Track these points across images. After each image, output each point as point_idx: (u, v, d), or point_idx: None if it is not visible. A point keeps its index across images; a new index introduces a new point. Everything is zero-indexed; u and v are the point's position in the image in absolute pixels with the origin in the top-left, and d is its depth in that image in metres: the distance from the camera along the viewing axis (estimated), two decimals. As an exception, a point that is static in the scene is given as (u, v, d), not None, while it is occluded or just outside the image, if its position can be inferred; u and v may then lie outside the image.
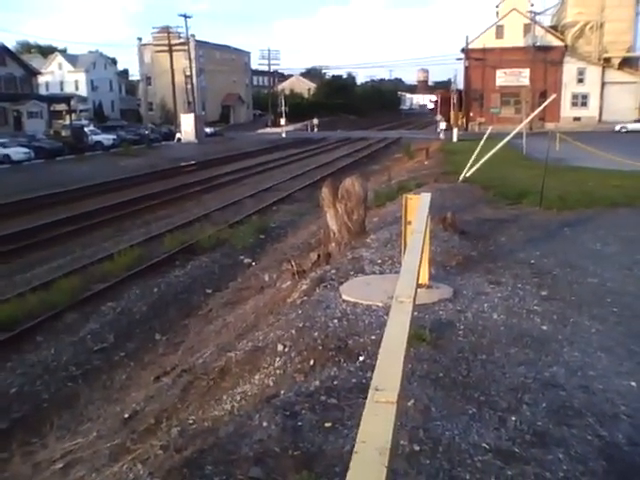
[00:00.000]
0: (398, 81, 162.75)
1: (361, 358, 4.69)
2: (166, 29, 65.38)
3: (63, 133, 48.26)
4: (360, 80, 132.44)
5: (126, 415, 6.10)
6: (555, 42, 57.41)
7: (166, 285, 12.28)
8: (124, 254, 13.54)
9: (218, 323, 9.31)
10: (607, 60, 56.89)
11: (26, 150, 37.82)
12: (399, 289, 2.78)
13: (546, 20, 61.63)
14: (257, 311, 8.07)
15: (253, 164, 35.71)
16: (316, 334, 5.25)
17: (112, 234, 17.18)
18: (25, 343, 9.32)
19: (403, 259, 3.60)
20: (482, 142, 18.01)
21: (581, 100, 58.04)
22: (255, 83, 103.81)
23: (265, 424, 3.72)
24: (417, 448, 3.34)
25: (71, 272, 12.44)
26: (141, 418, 5.93)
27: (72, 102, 63.62)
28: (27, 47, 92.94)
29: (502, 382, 4.28)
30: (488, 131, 19.74)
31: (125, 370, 8.54)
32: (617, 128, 48.43)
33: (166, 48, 61.72)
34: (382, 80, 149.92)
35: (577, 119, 55.12)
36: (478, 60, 57.94)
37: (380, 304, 5.81)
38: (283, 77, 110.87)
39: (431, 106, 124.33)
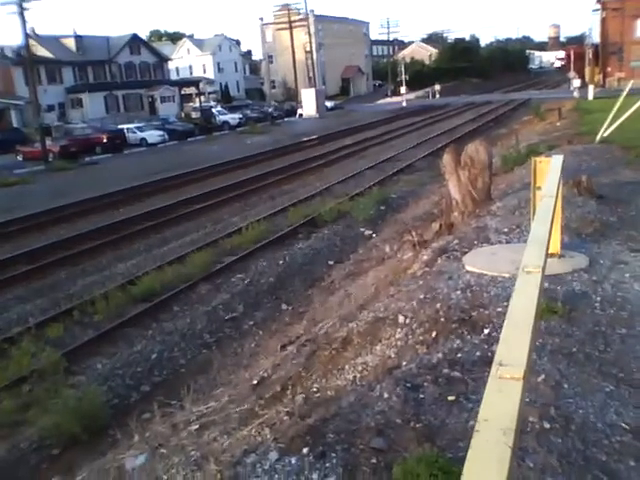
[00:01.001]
0: (526, 39, 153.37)
1: (486, 331, 4.49)
2: (286, 7, 66.30)
3: (193, 115, 51.01)
4: (485, 41, 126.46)
5: (255, 381, 6.36)
6: None
7: (290, 257, 12.61)
8: (251, 228, 14.09)
9: (340, 294, 9.41)
10: None
11: (160, 133, 40.45)
12: (526, 258, 2.59)
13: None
14: (378, 282, 8.04)
15: (373, 135, 35.46)
16: (438, 305, 5.11)
17: (240, 209, 17.90)
18: (163, 313, 10.01)
19: (532, 227, 3.36)
20: (621, 99, 16.46)
21: None
22: (375, 53, 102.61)
23: (386, 395, 3.69)
24: (547, 426, 3.14)
25: (203, 246, 13.14)
26: (268, 385, 6.16)
27: (200, 85, 66.88)
28: (158, 35, 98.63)
29: (645, 358, 3.91)
30: (628, 86, 17.95)
31: (254, 338, 8.92)
32: None
33: (286, 26, 62.68)
34: (509, 39, 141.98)
35: None
36: (616, 10, 52.85)
37: (507, 275, 5.53)
38: (403, 45, 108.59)
39: (558, 64, 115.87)
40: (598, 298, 5.04)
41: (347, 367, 4.74)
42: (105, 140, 36.80)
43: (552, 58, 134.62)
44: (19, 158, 34.96)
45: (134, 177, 24.80)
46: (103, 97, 59.21)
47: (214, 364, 8.11)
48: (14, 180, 26.79)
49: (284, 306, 10.25)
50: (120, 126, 41.18)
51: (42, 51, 56.84)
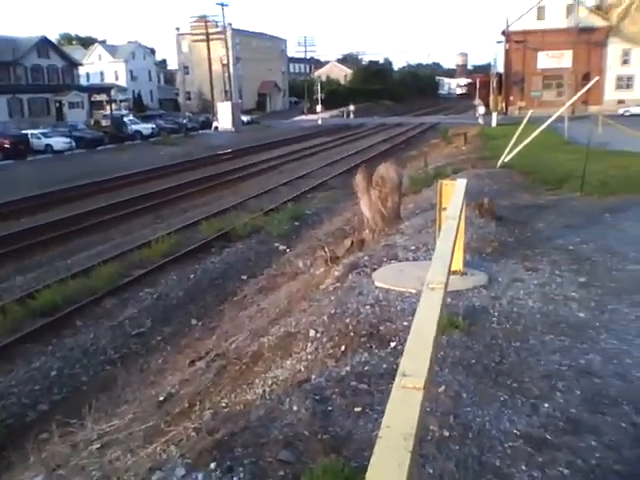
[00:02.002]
0: (436, 65, 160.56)
1: (392, 344, 4.66)
2: (203, 18, 65.79)
3: (103, 123, 49.26)
4: (397, 65, 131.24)
5: (161, 398, 6.22)
6: (599, 23, 55.52)
7: (202, 271, 12.44)
8: (162, 241, 13.78)
9: (252, 309, 9.39)
10: (654, 40, 54.76)
11: (67, 140, 38.72)
12: (430, 275, 2.75)
13: (589, 0, 59.62)
14: (290, 297, 8.11)
15: (289, 152, 35.76)
16: (348, 320, 5.23)
17: (151, 221, 17.47)
18: (65, 328, 9.57)
19: (436, 246, 3.55)
20: (522, 126, 17.60)
21: (626, 82, 56.13)
22: (292, 70, 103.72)
23: (295, 408, 3.73)
24: (447, 434, 3.30)
25: (110, 258, 12.70)
26: (176, 401, 6.05)
27: (112, 92, 64.78)
28: (68, 39, 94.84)
29: (536, 369, 4.19)
30: (528, 115, 19.25)
31: (161, 354, 8.71)
32: (620, 111, 46.74)
33: (203, 37, 62.15)
34: (420, 65, 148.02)
35: (621, 102, 53.26)
36: (519, 42, 56.54)
37: (413, 291, 5.76)
38: (319, 64, 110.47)
39: (460, 91, 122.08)
40: (496, 313, 5.35)
41: (257, 381, 4.75)
42: (7, 145, 34.78)
43: (460, 84, 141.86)
44: None
45: (38, 185, 23.58)
46: (6, 100, 55.93)
47: (118, 381, 7.84)
48: None
49: (194, 321, 10.08)
50: (24, 131, 39.06)
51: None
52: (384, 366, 4.26)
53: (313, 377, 4.30)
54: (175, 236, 14.46)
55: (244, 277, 12.18)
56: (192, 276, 12.13)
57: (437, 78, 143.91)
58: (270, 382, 4.60)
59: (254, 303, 9.86)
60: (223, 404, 4.62)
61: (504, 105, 57.12)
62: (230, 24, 72.07)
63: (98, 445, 5.56)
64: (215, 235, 14.79)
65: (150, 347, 9.01)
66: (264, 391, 4.44)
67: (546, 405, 3.66)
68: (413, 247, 7.83)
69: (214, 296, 11.23)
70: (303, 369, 4.59)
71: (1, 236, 15.11)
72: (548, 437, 3.30)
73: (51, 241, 14.88)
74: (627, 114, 45.82)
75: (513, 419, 3.50)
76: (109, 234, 15.81)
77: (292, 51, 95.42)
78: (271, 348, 5.44)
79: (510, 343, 4.68)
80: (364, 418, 3.50)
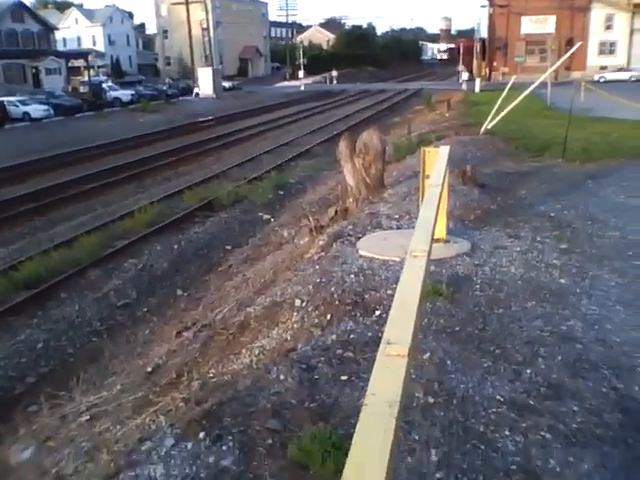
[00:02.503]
0: (420, 30, 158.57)
1: (377, 312, 4.71)
2: (182, -20, 64.01)
3: (81, 89, 48.26)
4: (380, 30, 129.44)
5: (149, 369, 6.26)
6: (583, -14, 55.08)
7: (186, 241, 12.40)
8: (144, 211, 13.66)
9: (238, 279, 9.41)
10: (637, 6, 54.46)
11: (45, 107, 37.87)
12: (413, 243, 2.76)
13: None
14: (275, 267, 8.13)
15: (271, 118, 35.38)
16: (333, 289, 5.28)
17: (133, 191, 17.29)
18: (49, 300, 9.53)
19: (419, 214, 3.56)
20: (504, 93, 17.57)
21: (609, 48, 56.01)
22: (273, 35, 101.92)
23: (282, 377, 3.79)
24: (431, 400, 3.38)
25: (93, 229, 12.59)
26: (163, 372, 6.09)
27: (90, 58, 63.17)
28: (43, 3, 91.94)
29: (518, 336, 4.28)
30: (511, 81, 19.18)
31: (148, 325, 8.72)
32: (596, 78, 46.63)
33: (182, 0, 60.59)
34: (403, 30, 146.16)
35: (604, 68, 53.21)
36: (503, 7, 55.97)
37: (397, 259, 5.80)
38: (302, 28, 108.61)
39: (440, 57, 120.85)
40: (479, 280, 5.43)
41: (244, 351, 4.80)
42: (-20, 113, 33.97)
43: (444, 49, 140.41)
44: None
45: (16, 154, 23.16)
46: (-21, 66, 54.44)
47: (105, 353, 7.85)
48: None
49: (179, 292, 10.08)
50: (0, 99, 38.12)
51: None
52: (369, 334, 4.32)
53: (299, 346, 4.35)
54: (158, 206, 14.34)
55: (228, 247, 12.17)
56: (176, 246, 12.08)
57: (420, 43, 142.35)
58: (257, 352, 4.65)
59: (239, 273, 9.88)
60: (211, 374, 4.66)
61: (488, 71, 56.80)
62: (209, -13, 70.30)
63: (87, 417, 5.60)
64: (198, 205, 14.69)
65: (136, 318, 9.02)
66: (251, 361, 4.49)
67: (528, 371, 3.75)
68: (397, 215, 7.86)
69: (199, 266, 11.21)
70: (289, 338, 4.64)
71: (-20, 208, 14.88)
72: (530, 403, 3.40)
73: (32, 211, 14.69)
74: (602, 80, 45.78)
75: (496, 385, 3.58)
76: (91, 204, 15.63)
77: (273, 15, 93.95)
78: (257, 318, 5.48)
79: (493, 310, 4.76)
80: (350, 386, 3.57)
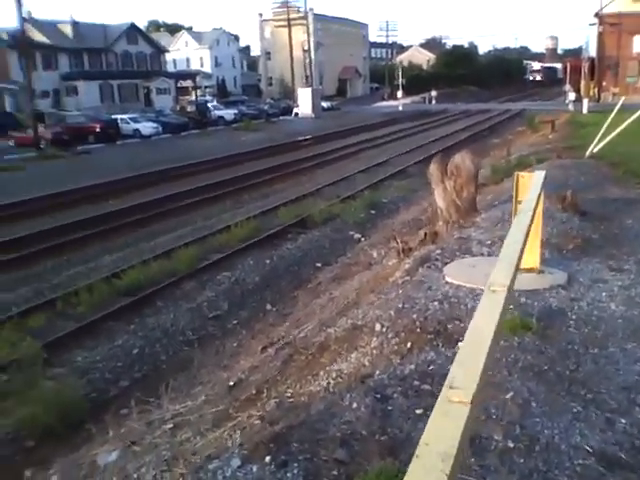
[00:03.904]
0: (524, 49, 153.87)
1: (460, 344, 4.53)
2: (285, 4, 66.26)
3: (188, 109, 50.85)
4: (482, 49, 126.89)
5: (231, 382, 6.38)
6: None
7: (278, 257, 12.63)
8: (240, 226, 14.09)
9: (324, 297, 9.44)
10: None
11: (155, 125, 40.29)
12: (493, 276, 2.60)
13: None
14: (360, 288, 8.08)
15: (367, 138, 35.51)
16: (415, 316, 5.15)
17: (231, 206, 17.89)
18: (146, 307, 10.00)
19: (504, 243, 3.40)
20: (613, 114, 16.60)
21: None
22: (373, 55, 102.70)
23: (355, 405, 3.72)
24: (511, 445, 3.18)
25: (191, 242, 13.13)
26: (245, 386, 6.19)
27: (197, 78, 66.71)
28: (156, 25, 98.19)
29: (614, 380, 3.96)
30: (620, 102, 18.09)
31: (237, 338, 8.92)
32: None
33: (285, 23, 62.60)
34: (506, 49, 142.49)
35: None
36: (613, 25, 53.09)
37: (484, 288, 5.57)
38: (402, 49, 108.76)
39: (533, 77, 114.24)
40: (574, 316, 5.09)
41: (322, 373, 4.77)
42: (98, 129, 36.64)
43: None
44: (10, 143, 34.69)
45: (126, 169, 24.72)
46: (98, 85, 58.84)
47: (195, 362, 8.11)
48: (4, 166, 26.58)
49: (269, 306, 10.26)
50: (114, 116, 40.96)
51: (38, 36, 56.40)
52: (449, 367, 4.16)
53: (376, 373, 4.26)
54: (254, 221, 14.74)
55: (319, 265, 12.26)
56: (268, 262, 12.33)
57: (525, 62, 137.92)
58: (334, 375, 4.60)
59: (327, 291, 9.90)
60: (288, 394, 4.67)
61: (596, 91, 54.02)
62: (312, 9, 72.50)
63: (171, 425, 5.78)
64: (292, 221, 14.96)
65: (226, 330, 9.26)
66: (327, 384, 4.45)
67: (623, 420, 3.45)
68: (488, 241, 7.58)
69: (289, 282, 11.38)
70: (367, 364, 4.56)
71: (91, 217, 15.97)
72: (622, 456, 3.11)
73: (136, 223, 15.58)
74: None
75: (585, 433, 3.32)
76: (191, 218, 16.33)
77: (374, 36, 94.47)
78: (337, 340, 5.44)
79: (587, 350, 4.44)
80: (424, 421, 3.43)
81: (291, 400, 4.44)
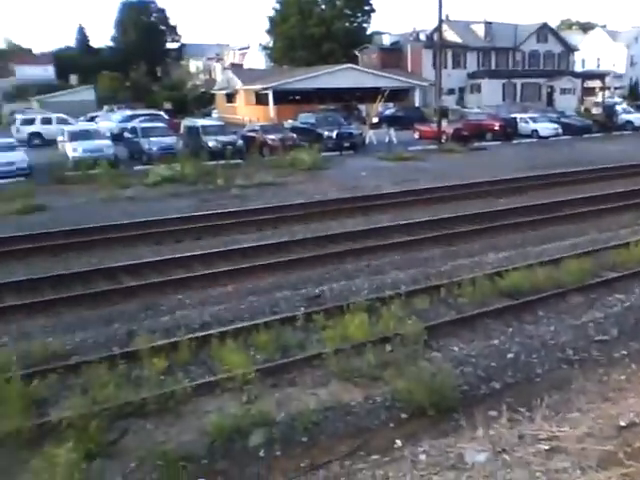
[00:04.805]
0: None
1: None
2: None
3: (593, 111, 47.48)
4: None
5: (622, 423, 5.59)
6: None
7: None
8: (640, 245, 12.40)
9: None
10: None
11: (555, 126, 38.84)
12: None
13: None
14: None
15: None
16: None
17: (631, 221, 15.94)
18: (526, 314, 9.63)
19: None
20: None
21: None
22: None
23: None
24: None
25: (582, 254, 12.14)
26: (638, 432, 5.35)
27: (607, 79, 61.66)
28: (568, 24, 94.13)
29: None
30: None
31: (625, 371, 7.87)
32: None
33: None
34: None
35: None
36: None
37: None
38: None
39: None
40: None
41: None
42: (496, 127, 37.13)
43: None
44: (415, 136, 38.02)
45: (519, 168, 24.54)
46: (501, 84, 59.70)
47: (573, 385, 7.46)
48: (407, 156, 29.33)
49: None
50: (513, 115, 40.94)
51: (452, 36, 60.19)
52: None
53: None
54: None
55: None
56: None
57: None
58: None
59: None
60: None
61: None
62: None
63: (546, 446, 5.38)
64: None
65: (612, 359, 8.25)
66: None
67: None
68: None
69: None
70: None
71: (480, 212, 16.28)
72: None
73: (524, 224, 15.22)
74: None
75: None
76: (584, 227, 15.13)
77: None
78: None
79: None
80: None
81: None
